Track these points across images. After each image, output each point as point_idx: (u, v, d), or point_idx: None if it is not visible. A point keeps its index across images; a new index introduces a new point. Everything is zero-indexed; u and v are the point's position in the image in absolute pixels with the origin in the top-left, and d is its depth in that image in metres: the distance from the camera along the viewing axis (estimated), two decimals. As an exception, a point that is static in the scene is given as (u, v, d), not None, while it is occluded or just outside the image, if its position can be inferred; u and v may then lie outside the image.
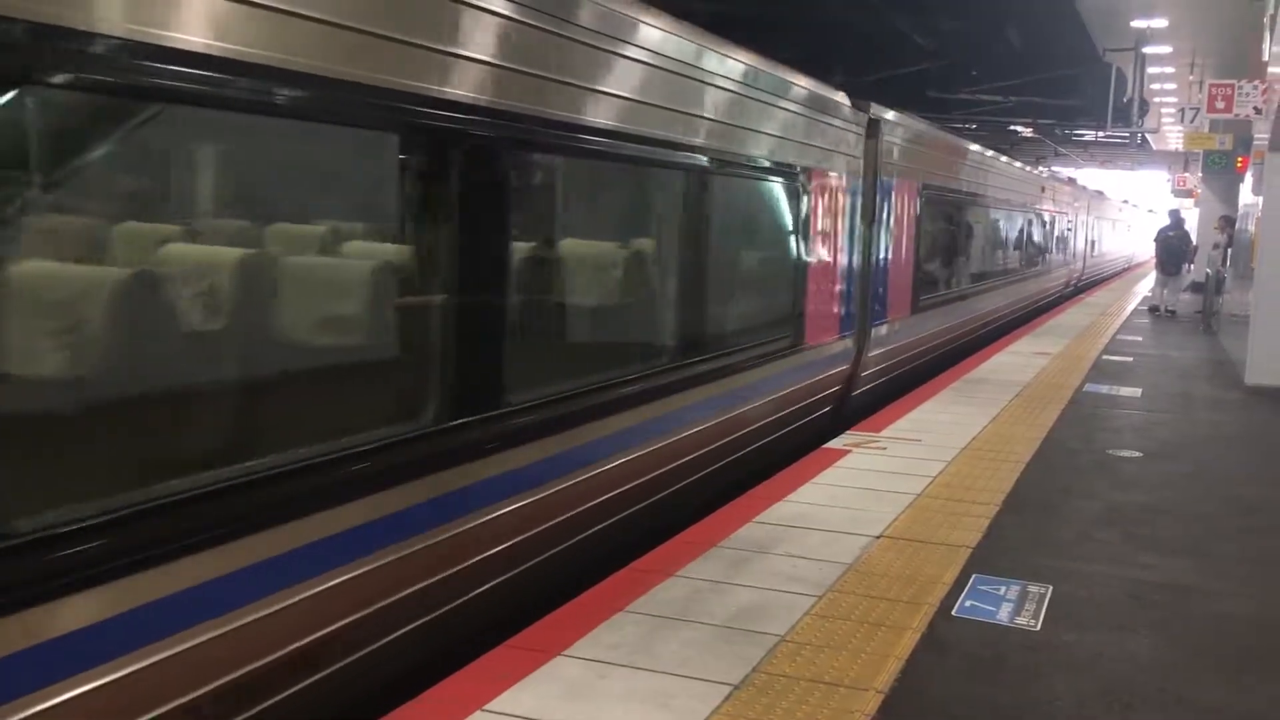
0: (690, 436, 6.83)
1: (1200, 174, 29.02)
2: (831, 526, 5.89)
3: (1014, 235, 20.05)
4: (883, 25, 15.91)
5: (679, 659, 4.11)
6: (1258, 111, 15.20)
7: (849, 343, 10.12)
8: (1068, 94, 22.02)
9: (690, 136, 6.71)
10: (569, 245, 5.91)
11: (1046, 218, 23.60)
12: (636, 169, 6.50)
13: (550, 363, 5.55)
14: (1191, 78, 19.48)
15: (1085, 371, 12.47)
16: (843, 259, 9.80)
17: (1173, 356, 14.53)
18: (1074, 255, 29.07)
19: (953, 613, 4.72)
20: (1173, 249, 20.86)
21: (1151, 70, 19.27)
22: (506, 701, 3.71)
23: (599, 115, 5.58)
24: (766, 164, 8.07)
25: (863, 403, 10.56)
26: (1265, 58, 13.11)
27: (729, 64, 7.18)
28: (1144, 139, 30.00)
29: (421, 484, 4.32)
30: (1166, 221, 22.26)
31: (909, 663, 4.17)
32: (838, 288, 9.68)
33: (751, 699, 3.80)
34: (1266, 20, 12.33)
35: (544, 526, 5.14)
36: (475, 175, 4.56)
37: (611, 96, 5.70)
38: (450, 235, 4.45)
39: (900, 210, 11.55)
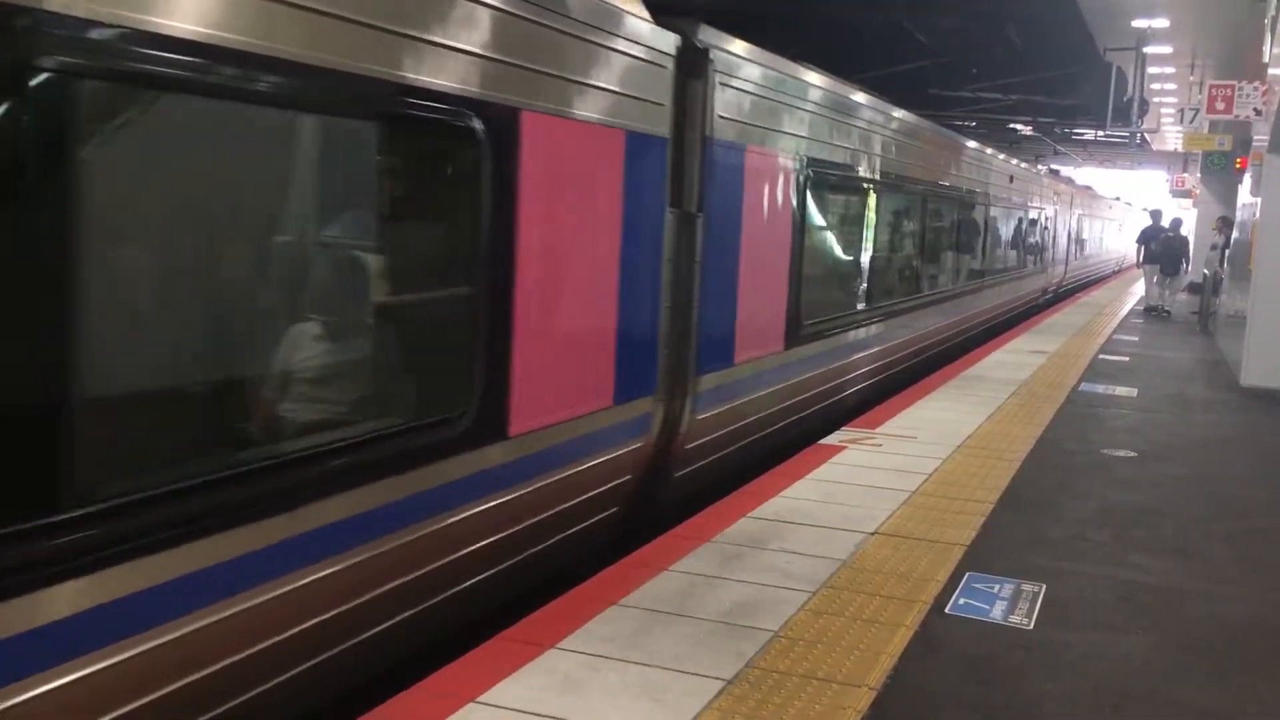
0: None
1: (1199, 174, 29.04)
2: (826, 523, 5.90)
3: (967, 235, 15.77)
4: (883, 22, 15.90)
5: (672, 653, 4.11)
6: (1257, 113, 15.20)
7: (644, 406, 6.20)
8: (1068, 93, 21.99)
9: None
10: None
11: (1015, 213, 19.68)
12: None
13: None
14: (1192, 78, 19.49)
15: (1081, 371, 12.48)
16: (612, 274, 5.74)
17: (1169, 357, 14.55)
18: (1053, 259, 24.96)
19: (946, 610, 4.73)
20: (1171, 249, 20.89)
21: (1152, 70, 19.27)
22: (499, 693, 3.72)
23: None
24: (358, 91, 4.00)
25: (702, 483, 7.13)
26: (1265, 59, 13.12)
27: None
28: (1143, 139, 30.01)
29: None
30: (1150, 222, 22.34)
31: (902, 660, 4.18)
32: (601, 322, 5.68)
33: (744, 694, 3.81)
34: (1267, 22, 12.33)
35: None
36: None
37: None
38: None
39: (761, 196, 7.63)
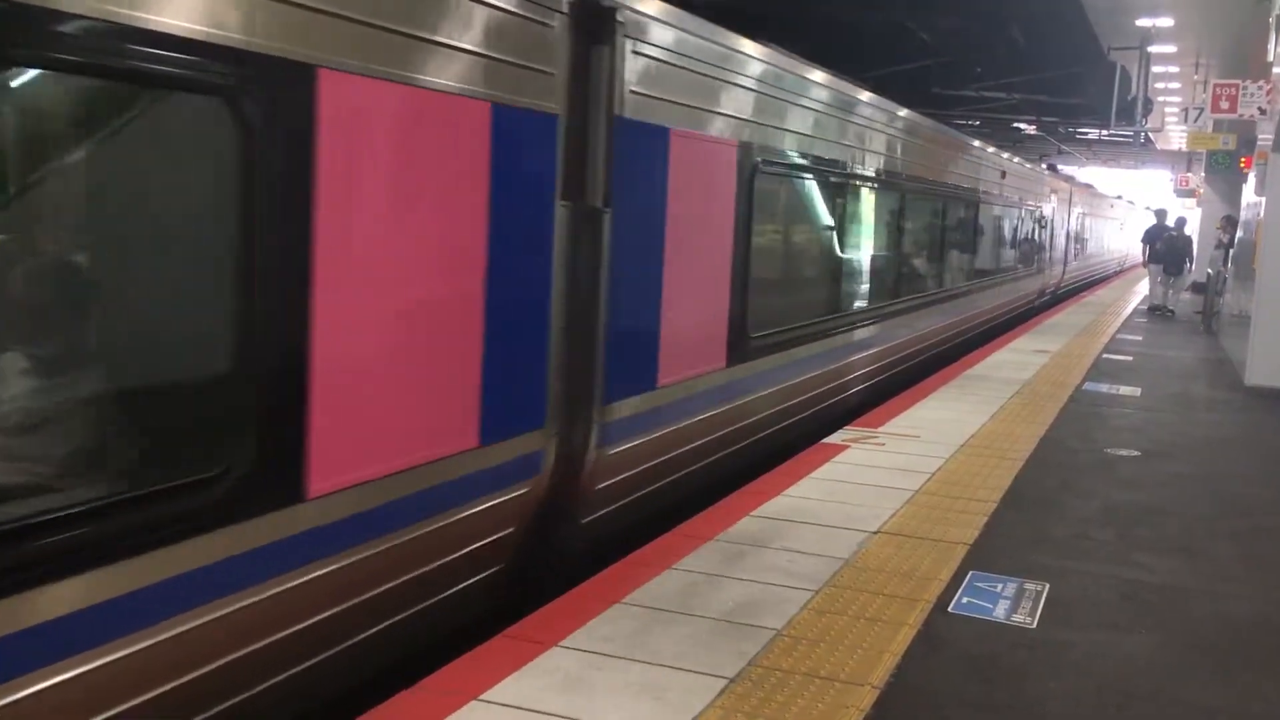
0: None
1: (1203, 174, 29.00)
2: (829, 521, 5.89)
3: (952, 235, 14.55)
4: (886, 21, 15.89)
5: (674, 652, 4.11)
6: (1262, 112, 15.19)
7: (529, 443, 5.08)
8: (1071, 92, 21.96)
9: None
10: None
11: (1009, 211, 18.40)
12: None
13: None
14: (1196, 77, 19.48)
15: (1085, 370, 12.46)
16: (472, 283, 4.61)
17: (1173, 356, 14.53)
18: (1051, 260, 23.80)
19: (949, 609, 4.72)
20: (1175, 248, 20.87)
21: (1156, 69, 19.26)
22: (502, 691, 3.71)
23: None
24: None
25: (621, 525, 6.07)
26: (1270, 58, 13.09)
27: None
28: (1147, 138, 29.97)
29: None
30: (1155, 221, 22.29)
31: (905, 658, 4.17)
32: (456, 345, 4.55)
33: (747, 693, 3.80)
34: (1272, 21, 12.31)
35: None
36: None
37: None
38: None
39: (692, 188, 6.49)
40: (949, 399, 10.00)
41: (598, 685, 3.81)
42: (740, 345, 7.24)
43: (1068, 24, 16.82)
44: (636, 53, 5.66)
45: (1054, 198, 23.57)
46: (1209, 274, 19.29)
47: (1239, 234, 19.11)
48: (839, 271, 9.85)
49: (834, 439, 8.02)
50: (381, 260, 4.07)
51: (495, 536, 4.92)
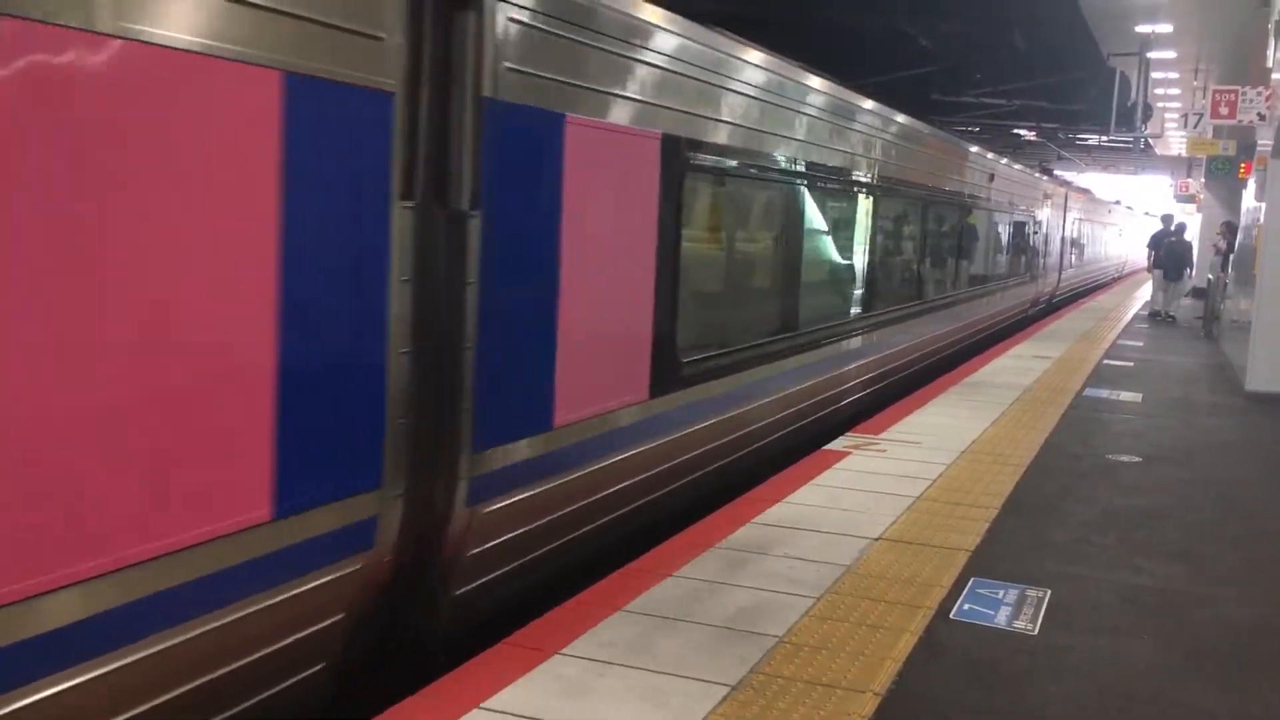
0: None
1: (1203, 179, 29.02)
2: (830, 528, 5.89)
3: (932, 241, 13.34)
4: (887, 28, 15.92)
5: (676, 659, 4.11)
6: (1261, 118, 15.21)
7: (359, 509, 4.07)
8: (1071, 98, 22.02)
9: None
10: None
11: (998, 216, 17.23)
12: None
13: None
14: (1195, 83, 19.51)
15: (1086, 376, 12.47)
16: (259, 307, 3.61)
17: (1173, 362, 14.54)
18: (1045, 267, 22.73)
19: (951, 616, 4.72)
20: (1175, 254, 20.89)
21: (1155, 75, 19.29)
22: (504, 699, 3.72)
23: None
24: None
25: (511, 591, 5.13)
26: (1269, 64, 13.11)
27: None
28: (1147, 144, 30.00)
29: None
30: (1160, 226, 22.31)
31: (906, 665, 4.17)
32: (235, 388, 3.53)
33: (749, 699, 3.81)
34: (1271, 27, 12.33)
35: None
36: None
37: None
38: None
39: (598, 187, 5.49)
40: (950, 405, 10.01)
41: (600, 692, 3.81)
42: (668, 373, 6.25)
43: (1068, 30, 16.87)
44: (516, 20, 4.64)
45: (1048, 202, 22.65)
46: (1209, 279, 19.30)
47: (1239, 239, 19.15)
48: (793, 286, 8.60)
49: (835, 445, 8.02)
50: (88, 276, 3.00)
51: (310, 630, 3.90)
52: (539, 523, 5.17)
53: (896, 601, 4.84)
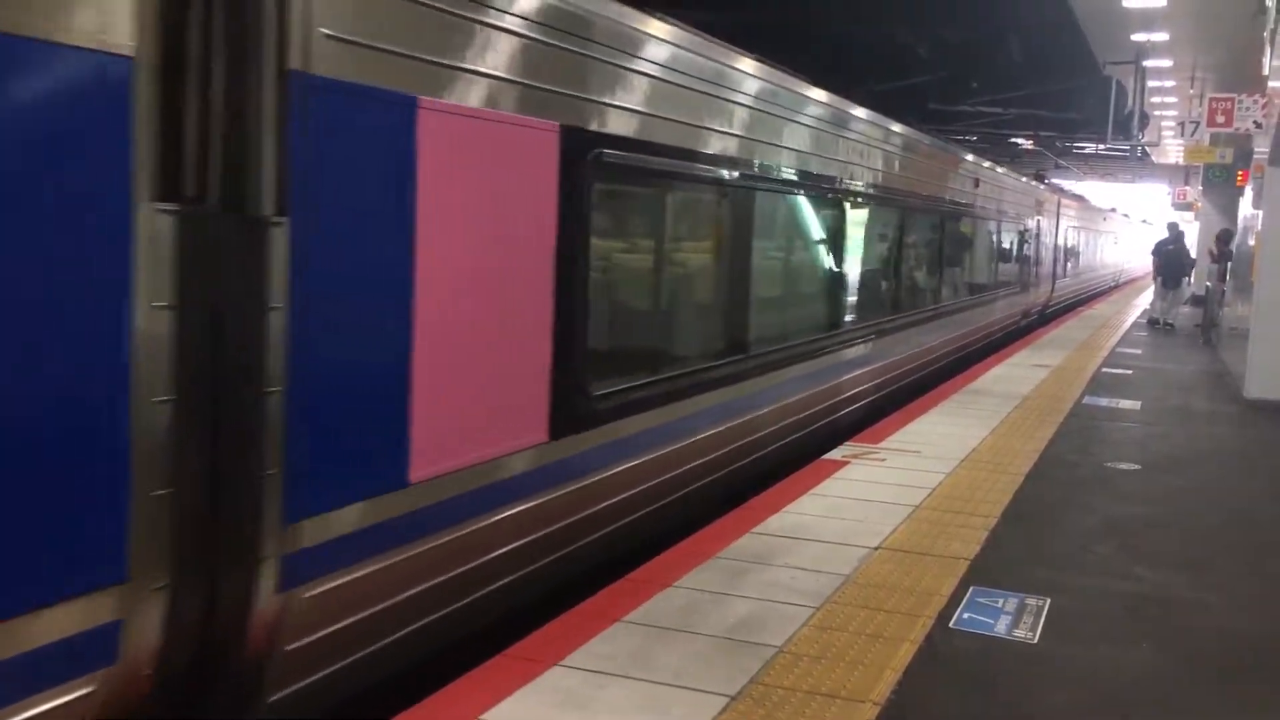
0: None
1: (1200, 187, 29.07)
2: (830, 538, 5.89)
3: (910, 252, 12.38)
4: (884, 37, 15.96)
5: (676, 670, 4.10)
6: (1258, 125, 15.24)
7: (90, 611, 3.14)
8: (1068, 107, 22.07)
9: None
10: None
11: (985, 225, 16.26)
12: None
13: None
14: (1192, 91, 19.53)
15: (1084, 384, 12.46)
16: None
17: (1172, 370, 14.54)
18: (1037, 277, 21.74)
19: (950, 625, 4.71)
20: (1173, 261, 20.91)
21: (1152, 84, 19.31)
22: (503, 711, 3.71)
23: None
24: None
25: (355, 686, 4.27)
26: (1265, 72, 13.14)
27: None
28: (1144, 152, 30.07)
29: None
30: (1164, 234, 22.31)
31: (906, 675, 4.16)
32: None
33: (749, 710, 3.80)
34: (1267, 35, 12.36)
35: None
36: None
37: None
38: None
39: (467, 189, 4.51)
40: (949, 414, 10.01)
41: (599, 703, 3.80)
42: (574, 408, 5.32)
43: (1064, 39, 16.90)
44: None
45: (1041, 210, 21.63)
46: (1207, 287, 19.32)
47: (1236, 245, 19.18)
48: (741, 304, 7.64)
49: (834, 455, 8.02)
50: None
51: None
52: (397, 599, 4.27)
53: (896, 611, 4.83)
